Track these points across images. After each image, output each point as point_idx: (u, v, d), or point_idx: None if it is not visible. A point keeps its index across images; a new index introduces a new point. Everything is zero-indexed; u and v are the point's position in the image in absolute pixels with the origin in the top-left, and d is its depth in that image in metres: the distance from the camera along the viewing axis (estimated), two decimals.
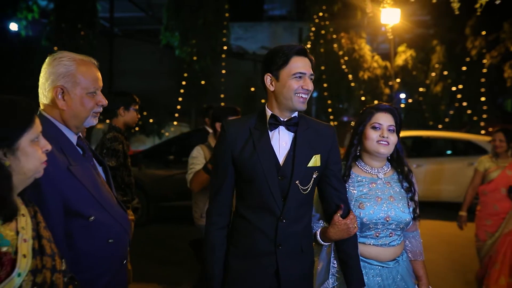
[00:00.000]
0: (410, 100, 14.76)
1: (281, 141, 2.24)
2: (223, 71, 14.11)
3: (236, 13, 14.95)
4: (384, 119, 2.48)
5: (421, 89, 14.40)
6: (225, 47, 14.10)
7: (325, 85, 14.11)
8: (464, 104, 13.88)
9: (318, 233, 2.36)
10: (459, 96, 13.99)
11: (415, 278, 2.61)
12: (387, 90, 14.34)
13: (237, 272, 2.27)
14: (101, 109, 2.05)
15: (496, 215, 4.45)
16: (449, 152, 9.91)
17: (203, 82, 13.67)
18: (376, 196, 2.45)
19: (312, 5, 14.02)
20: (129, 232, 2.15)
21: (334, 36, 13.95)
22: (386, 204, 2.44)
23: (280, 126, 2.23)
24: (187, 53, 13.49)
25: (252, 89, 15.16)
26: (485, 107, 13.77)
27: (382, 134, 2.45)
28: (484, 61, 13.05)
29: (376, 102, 13.98)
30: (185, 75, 13.64)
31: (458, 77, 13.94)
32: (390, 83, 14.02)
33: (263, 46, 19.53)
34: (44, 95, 1.98)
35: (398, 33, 13.39)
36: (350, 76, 14.00)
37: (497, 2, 5.50)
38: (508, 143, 4.60)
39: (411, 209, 2.48)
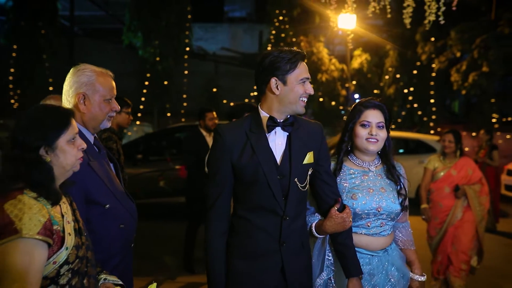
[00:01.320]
0: None
1: (277, 141, 2.29)
2: (186, 72, 14.32)
3: (197, 14, 15.15)
4: (373, 117, 2.52)
5: (375, 91, 14.95)
6: (187, 48, 14.32)
7: None
8: (415, 105, 14.59)
9: (313, 226, 2.41)
10: (410, 98, 14.66)
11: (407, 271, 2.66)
12: (343, 92, 14.90)
13: (243, 273, 2.29)
14: (114, 114, 2.39)
15: (442, 212, 4.74)
16: (401, 150, 10.54)
17: (166, 83, 13.84)
18: (368, 187, 2.51)
19: (272, 9, 14.41)
20: (136, 219, 2.48)
21: (294, 39, 14.37)
22: (377, 195, 2.50)
23: (277, 127, 2.28)
24: (150, 53, 13.62)
25: (214, 89, 15.43)
26: (434, 109, 14.54)
27: (371, 132, 2.49)
28: (433, 65, 13.75)
29: (333, 103, 14.61)
30: (148, 75, 13.77)
31: (410, 80, 14.59)
32: (347, 85, 14.62)
33: (223, 47, 19.85)
34: (67, 100, 2.30)
35: (354, 38, 13.98)
36: None
37: (442, 22, 6.09)
38: (456, 144, 4.80)
39: (400, 199, 2.54)
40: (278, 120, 2.28)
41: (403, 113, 14.97)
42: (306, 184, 2.31)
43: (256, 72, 2.30)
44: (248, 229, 2.29)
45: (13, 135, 1.78)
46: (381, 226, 2.51)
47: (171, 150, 9.40)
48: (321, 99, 14.62)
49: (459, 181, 4.76)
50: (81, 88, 2.29)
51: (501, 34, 11.70)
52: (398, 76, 14.64)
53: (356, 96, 16.35)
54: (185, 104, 14.33)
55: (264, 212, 2.26)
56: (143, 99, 13.81)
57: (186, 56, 14.25)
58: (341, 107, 15.02)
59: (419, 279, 2.61)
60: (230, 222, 2.34)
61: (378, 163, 2.59)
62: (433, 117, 14.45)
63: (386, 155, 2.60)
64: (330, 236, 2.45)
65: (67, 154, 1.83)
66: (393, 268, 2.54)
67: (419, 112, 14.64)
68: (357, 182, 2.51)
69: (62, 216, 1.81)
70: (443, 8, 5.93)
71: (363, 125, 2.50)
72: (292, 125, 2.29)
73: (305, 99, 2.26)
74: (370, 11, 6.02)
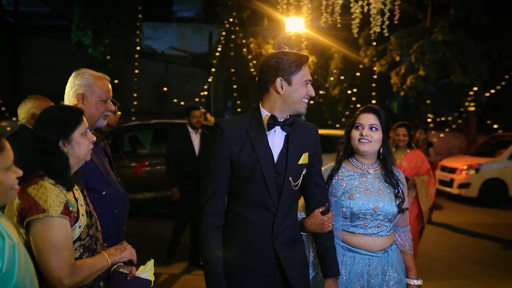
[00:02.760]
0: (311, 102, 15.94)
1: (276, 140, 2.35)
2: (136, 71, 14.39)
3: (145, 13, 15.23)
4: (366, 119, 2.63)
5: (321, 92, 15.52)
6: (138, 48, 14.39)
7: (234, 86, 14.92)
8: (358, 105, 15.18)
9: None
10: (353, 98, 15.35)
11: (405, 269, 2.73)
12: None
13: (238, 269, 2.34)
14: (109, 113, 2.70)
15: None
16: None
17: (116, 81, 13.86)
18: (366, 188, 2.59)
19: (223, 11, 14.71)
20: (127, 206, 2.80)
21: (244, 41, 14.74)
22: (375, 196, 2.57)
23: (276, 126, 2.34)
24: (100, 52, 13.60)
25: (165, 89, 15.55)
26: None
27: (362, 133, 2.60)
28: (375, 68, 14.48)
29: None
30: None
31: (353, 81, 15.28)
32: None
33: (172, 47, 19.90)
34: (68, 100, 2.59)
35: (301, 40, 14.51)
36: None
37: (386, 35, 6.68)
38: (409, 137, 5.05)
39: (398, 202, 2.61)
40: (279, 119, 2.33)
41: (347, 113, 15.67)
42: (299, 183, 2.39)
43: (260, 72, 2.35)
44: (242, 225, 2.33)
45: (34, 131, 2.07)
46: (378, 227, 2.58)
47: (126, 148, 9.56)
48: None
49: (409, 173, 5.00)
50: (80, 89, 2.59)
51: (435, 40, 12.50)
52: (342, 77, 15.27)
53: None
54: (135, 103, 14.39)
55: (258, 209, 2.31)
56: None
57: (137, 56, 14.30)
58: None
59: (416, 283, 2.68)
60: (224, 217, 2.37)
61: (377, 167, 2.68)
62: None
63: (384, 159, 2.68)
64: (313, 237, 2.55)
65: (81, 146, 2.12)
66: (392, 269, 2.61)
67: None
68: (355, 184, 2.61)
69: (76, 200, 2.11)
70: (387, 22, 6.55)
71: (357, 127, 2.63)
72: (291, 125, 2.35)
73: (307, 100, 2.34)
74: (323, 21, 6.51)
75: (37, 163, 2.04)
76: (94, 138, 2.24)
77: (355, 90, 15.31)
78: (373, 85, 15.06)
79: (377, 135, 2.60)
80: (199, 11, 21.97)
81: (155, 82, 15.57)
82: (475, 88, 12.94)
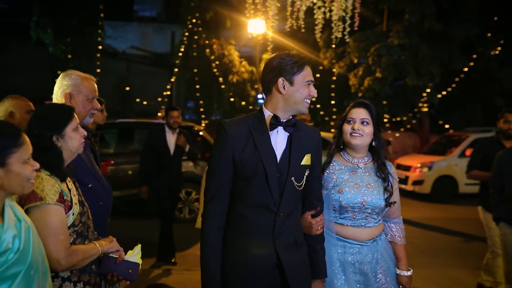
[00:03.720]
0: None
1: (279, 140, 2.36)
2: (98, 70, 14.30)
3: (106, 12, 15.16)
4: (357, 114, 2.69)
5: None
6: (100, 47, 14.32)
7: (197, 86, 15.05)
8: (318, 106, 15.70)
9: None
10: (313, 99, 15.74)
11: (395, 260, 2.79)
12: (253, 93, 15.70)
13: (237, 268, 2.34)
14: (95, 112, 2.89)
15: None
16: None
17: None
18: (355, 183, 2.64)
19: (186, 12, 14.82)
20: (112, 199, 2.98)
21: (207, 41, 14.89)
22: (363, 190, 2.63)
23: (279, 127, 2.35)
24: (61, 50, 13.46)
25: (127, 88, 15.53)
26: (334, 109, 15.75)
27: (353, 126, 2.65)
28: (334, 70, 14.92)
29: (243, 103, 15.37)
30: (59, 73, 13.54)
31: (313, 82, 15.73)
32: (256, 86, 15.44)
33: (133, 46, 19.83)
34: (57, 99, 2.76)
35: (262, 41, 14.81)
36: (220, 79, 15.05)
37: (347, 40, 7.05)
38: None
39: (386, 196, 2.66)
40: (281, 120, 2.36)
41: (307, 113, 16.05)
42: (302, 184, 2.39)
43: (263, 73, 2.39)
44: (243, 225, 2.34)
45: (29, 127, 2.24)
46: (366, 219, 2.65)
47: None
48: (232, 99, 15.29)
49: None
50: (68, 89, 2.77)
51: (391, 44, 13.06)
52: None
53: (260, 96, 17.15)
54: None
55: (260, 208, 2.31)
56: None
57: (98, 55, 14.23)
58: (250, 107, 15.80)
59: (406, 274, 2.75)
60: (226, 217, 2.38)
61: (368, 161, 2.74)
62: (334, 117, 15.52)
63: (377, 153, 2.74)
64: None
65: (73, 140, 2.29)
66: (381, 258, 2.69)
67: (322, 112, 15.79)
68: (345, 177, 2.66)
69: (69, 190, 2.30)
70: (348, 29, 6.93)
71: (348, 121, 2.69)
72: (294, 126, 2.37)
73: (309, 101, 2.37)
74: (288, 26, 6.82)
75: (33, 157, 2.21)
76: (85, 133, 2.43)
77: (315, 91, 15.62)
78: (333, 86, 15.45)
79: (368, 129, 2.67)
80: (160, 10, 21.96)
81: (117, 81, 15.50)
82: (428, 90, 13.60)
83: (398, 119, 15.46)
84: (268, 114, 2.37)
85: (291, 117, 2.38)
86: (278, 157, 2.34)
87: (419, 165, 11.36)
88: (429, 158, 11.70)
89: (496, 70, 13.44)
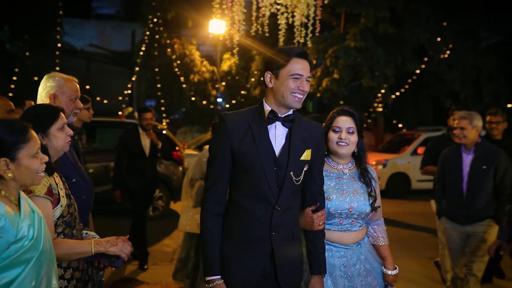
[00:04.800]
0: (233, 101, 16.50)
1: (277, 135, 2.38)
2: (57, 68, 14.12)
3: (64, 9, 14.97)
4: (343, 122, 2.70)
5: (242, 92, 16.09)
6: (59, 44, 14.15)
7: (158, 85, 15.11)
8: None
9: None
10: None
11: (380, 260, 2.83)
12: (214, 92, 15.88)
13: (233, 257, 2.37)
14: (78, 111, 3.06)
15: None
16: None
17: (36, 79, 13.53)
18: (341, 189, 2.67)
19: (147, 11, 14.84)
20: (93, 194, 3.16)
21: (168, 41, 14.97)
22: (350, 196, 2.66)
23: (277, 121, 2.37)
24: (19, 48, 13.22)
25: (87, 87, 15.38)
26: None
27: (340, 136, 2.67)
28: None
29: (204, 102, 15.54)
30: (17, 70, 13.33)
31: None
32: (217, 86, 15.64)
33: (91, 44, 19.58)
34: (41, 100, 2.93)
35: (223, 42, 14.99)
36: (182, 79, 15.16)
37: (309, 45, 7.38)
38: None
39: (371, 201, 2.71)
40: (279, 115, 2.38)
41: None
42: (301, 179, 2.41)
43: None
44: (242, 216, 2.37)
45: None
46: (352, 223, 2.70)
47: None
48: (193, 98, 15.42)
49: None
50: (52, 90, 2.94)
51: (348, 46, 13.52)
52: (262, 79, 15.76)
53: (220, 100, 17.32)
54: None
55: (258, 200, 2.34)
56: (10, 94, 13.33)
57: (57, 52, 14.06)
58: (211, 106, 15.99)
59: (392, 273, 2.80)
60: (225, 206, 2.42)
61: (351, 166, 2.79)
62: None
63: (360, 159, 2.79)
64: (303, 234, 2.57)
65: (58, 139, 2.45)
66: (365, 260, 2.73)
67: None
68: (332, 184, 2.69)
69: (57, 184, 2.48)
70: (310, 35, 7.27)
71: (334, 130, 2.70)
72: (292, 121, 2.39)
73: (299, 95, 2.32)
74: (253, 30, 7.09)
75: None
76: (71, 132, 2.60)
77: None
78: None
79: (354, 138, 2.70)
80: (119, 8, 21.74)
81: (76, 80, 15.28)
82: (383, 91, 14.17)
83: None
84: (267, 108, 2.39)
85: (291, 112, 2.40)
86: (277, 152, 2.36)
87: (374, 162, 11.82)
88: (383, 156, 12.24)
89: (446, 72, 14.15)
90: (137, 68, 15.13)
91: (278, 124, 2.38)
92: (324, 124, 2.76)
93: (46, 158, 2.04)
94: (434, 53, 13.97)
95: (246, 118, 2.38)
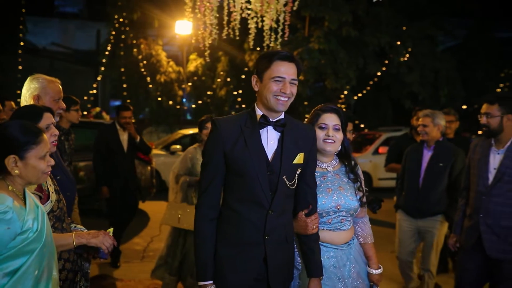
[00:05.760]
0: (200, 102, 16.59)
1: (270, 139, 2.37)
2: (20, 67, 13.90)
3: (25, 7, 14.73)
4: (330, 120, 2.66)
5: (209, 92, 16.17)
6: (22, 43, 13.93)
7: (124, 85, 15.07)
8: (243, 106, 16.20)
9: None
10: (239, 99, 16.24)
11: (366, 260, 2.81)
12: (180, 92, 15.94)
13: (227, 261, 2.37)
14: (62, 111, 3.20)
15: None
16: None
17: None
18: (326, 187, 2.63)
19: (112, 11, 14.77)
20: (76, 191, 3.31)
21: (134, 41, 14.94)
22: (336, 194, 2.63)
23: (268, 126, 2.37)
24: None
25: None
26: None
27: (327, 133, 2.63)
28: None
29: (170, 102, 15.60)
30: None
31: (239, 83, 16.11)
32: (183, 86, 15.72)
33: (53, 42, 19.27)
34: (25, 101, 3.07)
35: (189, 42, 15.07)
36: (148, 79, 15.17)
37: (272, 46, 7.62)
38: None
39: (358, 197, 2.69)
40: (271, 119, 2.38)
41: (233, 113, 16.47)
42: (294, 182, 2.42)
43: None
44: (236, 220, 2.37)
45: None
46: (341, 222, 2.66)
47: None
48: (159, 99, 15.43)
49: None
50: (36, 91, 3.08)
51: (312, 49, 13.87)
52: (228, 79, 16.04)
53: (184, 100, 17.35)
54: (19, 100, 13.86)
55: (251, 204, 2.34)
56: None
57: (20, 51, 13.84)
58: (177, 106, 16.05)
59: (377, 272, 2.79)
60: (219, 210, 2.43)
61: (335, 164, 2.75)
62: None
63: (346, 156, 2.77)
64: (298, 238, 2.56)
65: None
66: (355, 262, 2.71)
67: None
68: (317, 183, 2.61)
69: (46, 182, 2.63)
70: (280, 40, 7.52)
71: (321, 128, 2.66)
72: (284, 126, 2.39)
73: (282, 98, 2.31)
74: (225, 34, 7.28)
75: None
76: (57, 132, 2.75)
77: (240, 91, 16.18)
78: None
79: (340, 135, 2.68)
80: (82, 7, 21.44)
81: None
82: (345, 92, 14.59)
83: None
84: (258, 113, 2.40)
85: (282, 116, 2.41)
86: (270, 156, 2.36)
87: None
88: None
89: (405, 75, 14.69)
90: (102, 68, 15.04)
91: (270, 128, 2.39)
92: (307, 122, 2.74)
93: (52, 162, 2.19)
94: (394, 56, 14.48)
95: (238, 123, 2.38)
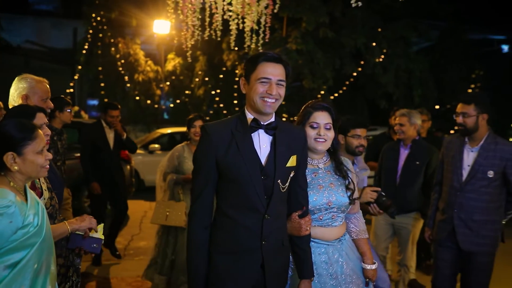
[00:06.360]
0: (178, 101, 16.59)
1: (262, 143, 2.34)
2: None
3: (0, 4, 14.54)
4: (321, 118, 2.65)
5: (187, 92, 16.20)
6: None
7: (102, 84, 14.98)
8: (221, 105, 16.31)
9: None
10: (217, 99, 16.28)
11: (359, 256, 2.82)
12: (158, 92, 15.92)
13: (224, 268, 2.32)
14: (49, 110, 3.26)
15: None
16: None
17: None
18: (318, 184, 2.62)
19: (90, 9, 14.67)
20: (63, 188, 3.36)
21: (112, 40, 14.87)
22: (327, 191, 2.62)
23: (259, 129, 2.33)
24: None
25: None
26: (237, 108, 16.50)
27: (319, 132, 2.63)
28: (237, 71, 15.52)
29: (148, 102, 15.56)
30: None
31: (217, 83, 16.16)
32: (161, 85, 15.70)
33: (28, 40, 18.97)
34: (14, 101, 3.12)
35: (168, 42, 15.07)
36: (126, 78, 15.12)
37: (253, 47, 7.74)
38: None
39: (349, 193, 2.67)
40: (262, 123, 2.34)
41: (211, 112, 16.60)
42: (287, 186, 2.39)
43: None
44: (230, 226, 2.33)
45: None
46: (332, 218, 2.65)
47: None
48: (137, 98, 15.39)
49: None
50: (24, 91, 3.14)
51: (289, 49, 14.02)
52: (206, 79, 16.08)
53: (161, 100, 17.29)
54: None
55: (247, 210, 2.30)
56: None
57: None
58: (156, 106, 16.02)
59: (372, 268, 2.80)
60: (212, 217, 2.39)
61: (326, 160, 2.75)
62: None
63: (334, 153, 2.76)
64: (290, 239, 2.52)
65: None
66: (348, 258, 2.70)
67: (225, 112, 16.36)
68: (308, 180, 2.61)
69: (39, 179, 2.70)
70: (261, 41, 7.65)
71: (312, 126, 2.65)
72: (275, 129, 2.36)
73: (269, 100, 2.27)
74: (207, 35, 7.37)
75: None
76: (49, 132, 2.83)
77: (218, 91, 16.23)
78: (235, 86, 16.00)
79: (331, 133, 2.68)
80: (58, 5, 21.15)
81: (15, 77, 14.85)
82: (322, 92, 14.79)
83: (295, 118, 16.41)
84: (249, 116, 2.37)
85: (273, 119, 2.39)
86: (263, 160, 2.33)
87: None
88: None
89: (380, 75, 14.98)
90: (79, 67, 14.93)
91: (261, 132, 2.36)
92: (297, 119, 2.75)
93: (50, 156, 2.28)
94: (369, 57, 14.74)
95: (229, 127, 2.35)
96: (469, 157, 3.79)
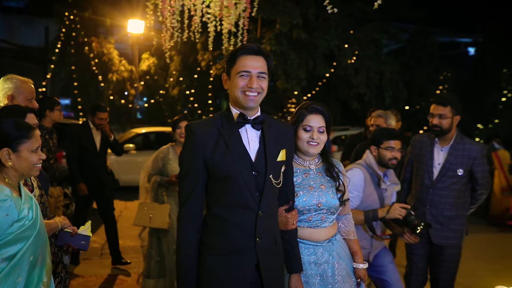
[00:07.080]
0: (152, 101, 16.56)
1: (250, 138, 2.27)
2: None
3: None
4: (315, 121, 2.61)
5: (161, 92, 16.23)
6: None
7: (75, 83, 14.85)
8: (196, 105, 16.42)
9: None
10: (191, 98, 16.38)
11: (351, 256, 2.80)
12: (132, 91, 15.87)
13: (218, 270, 2.24)
14: (35, 110, 3.31)
15: None
16: None
17: None
18: (308, 185, 2.60)
19: (62, 8, 14.52)
20: (49, 186, 3.42)
21: (86, 39, 14.76)
22: (317, 192, 2.60)
23: (247, 124, 2.26)
24: None
25: None
26: (211, 108, 16.63)
27: (312, 136, 2.60)
28: (211, 71, 15.64)
29: (122, 101, 15.49)
30: None
31: (191, 83, 16.25)
32: (136, 85, 15.65)
33: None
34: (0, 101, 3.15)
35: (142, 41, 15.04)
36: (100, 77, 15.04)
37: (230, 48, 7.85)
38: None
39: (339, 195, 2.65)
40: (249, 118, 2.28)
41: (185, 111, 16.61)
42: (280, 181, 2.34)
43: None
44: (223, 227, 2.24)
45: None
46: (321, 220, 2.63)
47: None
48: (111, 97, 15.34)
49: None
50: (10, 91, 3.19)
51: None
52: (181, 79, 16.14)
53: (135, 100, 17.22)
54: None
55: (239, 209, 2.23)
56: None
57: None
58: (130, 105, 15.96)
59: (363, 267, 2.79)
60: (202, 219, 2.31)
61: (318, 162, 2.73)
62: (210, 115, 16.31)
63: (326, 155, 2.74)
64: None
65: None
66: (340, 259, 2.68)
67: (199, 111, 16.50)
68: (298, 181, 2.61)
69: (30, 178, 2.77)
70: (239, 44, 7.74)
71: (305, 129, 2.62)
72: (262, 123, 2.30)
73: (251, 93, 2.21)
74: (185, 37, 7.44)
75: None
76: (39, 133, 2.89)
77: (192, 91, 16.31)
78: (210, 86, 16.22)
79: (324, 137, 2.66)
80: (28, 2, 20.79)
81: None
82: (296, 92, 15.00)
83: (274, 117, 16.63)
84: (235, 112, 2.30)
85: (259, 113, 2.33)
86: (253, 156, 2.27)
87: None
88: None
89: (352, 76, 15.29)
90: (52, 66, 14.75)
91: (248, 127, 2.29)
92: (291, 120, 2.72)
93: (44, 156, 2.37)
94: (342, 58, 15.02)
95: (214, 125, 2.27)
96: (439, 156, 4.00)
